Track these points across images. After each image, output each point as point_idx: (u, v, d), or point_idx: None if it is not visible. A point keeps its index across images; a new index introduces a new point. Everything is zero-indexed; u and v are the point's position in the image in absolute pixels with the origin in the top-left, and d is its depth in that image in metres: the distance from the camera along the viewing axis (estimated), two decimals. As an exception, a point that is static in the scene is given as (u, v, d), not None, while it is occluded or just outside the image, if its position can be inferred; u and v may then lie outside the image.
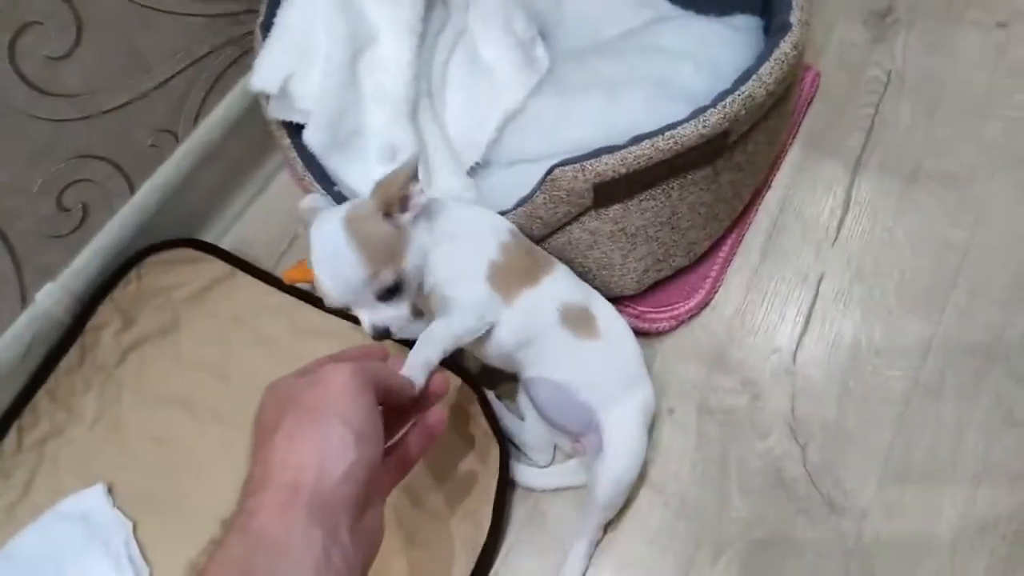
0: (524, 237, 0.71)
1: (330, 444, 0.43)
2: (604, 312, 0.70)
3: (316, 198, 0.69)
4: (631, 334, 0.71)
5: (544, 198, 0.68)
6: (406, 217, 0.62)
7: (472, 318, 0.63)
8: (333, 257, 0.59)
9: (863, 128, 0.90)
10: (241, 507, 0.42)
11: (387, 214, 0.61)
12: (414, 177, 0.61)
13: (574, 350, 0.67)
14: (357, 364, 0.47)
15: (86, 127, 0.77)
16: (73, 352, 0.82)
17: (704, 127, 0.64)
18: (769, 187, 0.86)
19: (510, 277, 0.66)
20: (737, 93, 0.65)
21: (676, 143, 0.64)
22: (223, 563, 0.40)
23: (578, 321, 0.68)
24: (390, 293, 0.61)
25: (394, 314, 0.62)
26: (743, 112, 0.65)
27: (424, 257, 0.63)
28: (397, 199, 0.60)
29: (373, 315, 0.62)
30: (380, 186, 0.61)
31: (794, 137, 0.89)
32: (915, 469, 0.70)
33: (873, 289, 0.80)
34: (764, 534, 0.69)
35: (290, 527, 0.40)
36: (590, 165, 0.64)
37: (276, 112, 0.76)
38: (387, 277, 0.60)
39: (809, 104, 0.91)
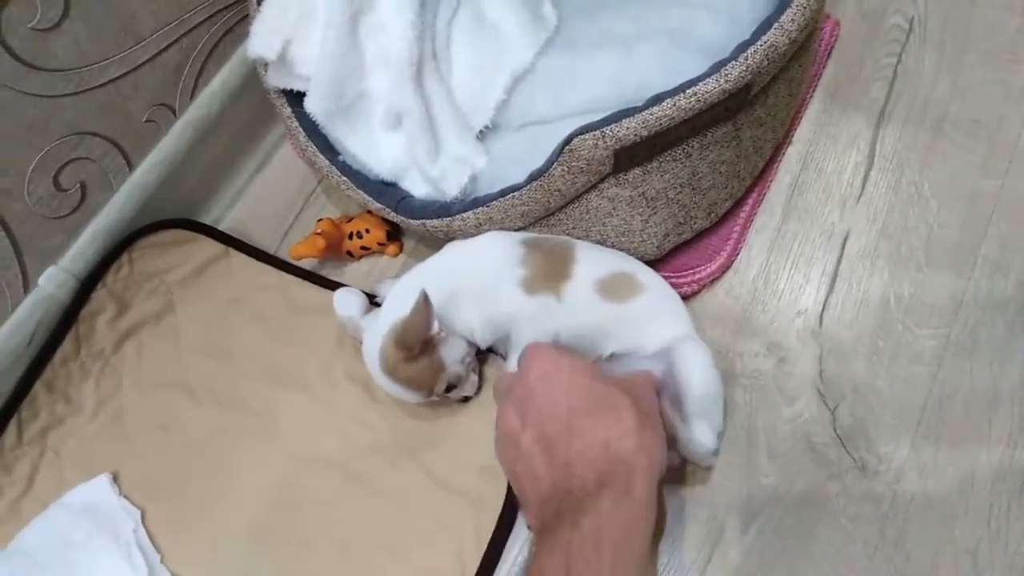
0: (534, 238, 0.70)
1: (660, 441, 0.54)
2: (637, 266, 0.70)
3: (346, 301, 0.72)
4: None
5: (563, 169, 0.65)
6: (437, 351, 0.66)
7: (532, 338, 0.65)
8: (395, 392, 0.67)
9: (886, 79, 0.86)
10: (615, 470, 0.50)
11: (416, 356, 0.64)
12: (428, 312, 0.62)
13: (625, 316, 0.66)
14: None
15: (79, 102, 0.74)
16: (68, 341, 0.80)
17: (726, 81, 0.61)
18: (790, 143, 0.82)
19: (547, 279, 0.66)
20: (759, 43, 0.61)
21: (698, 100, 0.60)
22: (614, 518, 0.48)
23: (617, 288, 0.67)
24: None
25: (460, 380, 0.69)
26: (766, 63, 0.62)
27: (465, 334, 0.68)
28: (418, 345, 0.63)
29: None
30: (399, 339, 0.63)
31: (814, 90, 0.86)
32: (949, 429, 0.68)
33: (901, 245, 0.77)
34: (795, 501, 0.67)
35: (651, 501, 0.50)
36: (610, 131, 0.61)
37: (275, 80, 0.73)
38: (440, 388, 0.67)
39: (828, 55, 0.88)
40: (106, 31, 0.73)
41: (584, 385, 0.54)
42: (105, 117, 0.77)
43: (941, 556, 0.64)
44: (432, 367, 0.65)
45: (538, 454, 0.52)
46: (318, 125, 0.75)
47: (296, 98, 0.76)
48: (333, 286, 0.80)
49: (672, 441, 0.62)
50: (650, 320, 0.67)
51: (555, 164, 0.65)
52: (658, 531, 0.67)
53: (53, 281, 0.78)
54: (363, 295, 0.73)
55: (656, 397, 0.59)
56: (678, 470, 0.68)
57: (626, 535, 0.48)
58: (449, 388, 0.68)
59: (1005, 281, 0.74)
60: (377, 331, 0.66)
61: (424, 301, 0.61)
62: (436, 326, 0.64)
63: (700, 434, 0.62)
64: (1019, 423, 0.68)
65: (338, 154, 0.77)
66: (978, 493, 0.66)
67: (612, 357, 0.67)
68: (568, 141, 0.63)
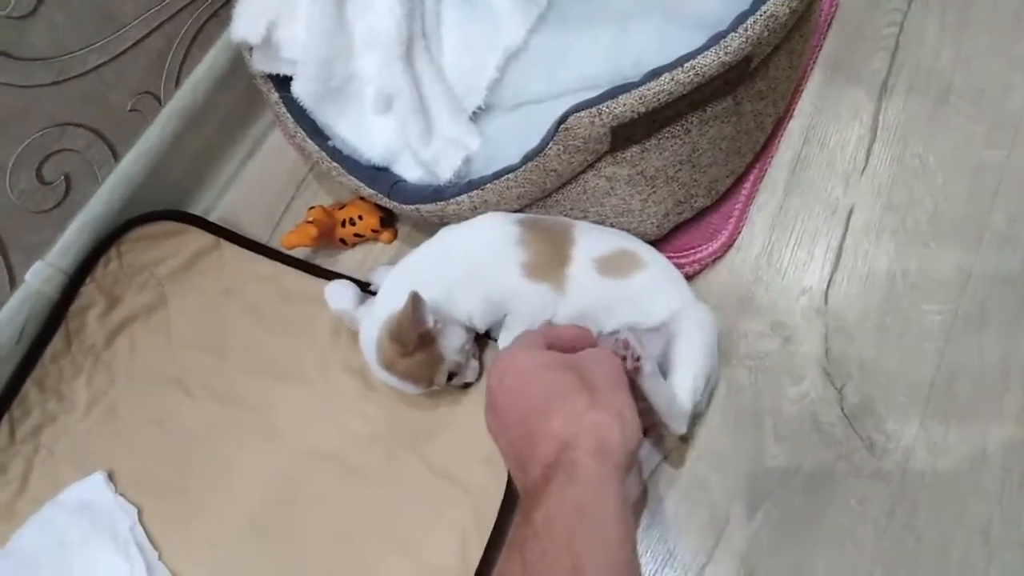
0: (533, 219, 0.68)
1: (626, 416, 0.51)
2: (638, 244, 0.69)
3: (337, 294, 0.70)
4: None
5: (558, 148, 0.63)
6: (435, 343, 0.64)
7: (525, 324, 0.65)
8: (394, 384, 0.66)
9: (887, 49, 0.84)
10: (558, 459, 0.48)
11: (412, 351, 0.62)
12: (420, 311, 0.61)
13: (626, 292, 0.65)
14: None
15: (61, 92, 0.72)
16: (58, 337, 0.78)
17: (726, 54, 0.59)
18: (791, 117, 0.81)
19: (547, 266, 0.65)
20: (759, 13, 0.59)
21: (697, 74, 0.58)
22: (560, 504, 0.46)
23: (618, 265, 0.66)
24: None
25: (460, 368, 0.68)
26: (766, 33, 0.60)
27: (463, 321, 0.66)
28: (414, 340, 0.61)
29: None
30: (394, 336, 0.62)
31: (814, 62, 0.84)
32: (958, 406, 0.67)
33: (906, 220, 0.75)
34: (803, 482, 0.66)
35: (607, 480, 0.47)
36: (607, 107, 0.59)
37: (260, 64, 0.71)
38: (441, 379, 0.65)
39: (829, 26, 0.86)
40: (85, 18, 0.71)
41: (537, 379, 0.54)
42: (88, 107, 0.75)
43: (952, 535, 0.63)
44: (431, 359, 0.64)
45: (511, 460, 0.54)
46: (306, 110, 0.73)
47: (283, 83, 0.74)
48: (327, 275, 0.79)
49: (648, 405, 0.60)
50: (652, 296, 0.66)
51: (551, 144, 0.63)
52: (638, 509, 0.66)
53: (40, 276, 0.77)
54: (354, 286, 0.71)
55: (617, 366, 0.56)
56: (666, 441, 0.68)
57: (579, 516, 0.46)
58: (450, 377, 0.67)
59: (1013, 254, 0.72)
60: (373, 324, 0.64)
61: (414, 301, 0.60)
62: (431, 320, 0.62)
63: (678, 385, 0.60)
64: (1030, 398, 0.66)
65: (328, 139, 0.75)
66: (989, 470, 0.64)
67: (614, 333, 0.66)
68: (563, 119, 0.61)
